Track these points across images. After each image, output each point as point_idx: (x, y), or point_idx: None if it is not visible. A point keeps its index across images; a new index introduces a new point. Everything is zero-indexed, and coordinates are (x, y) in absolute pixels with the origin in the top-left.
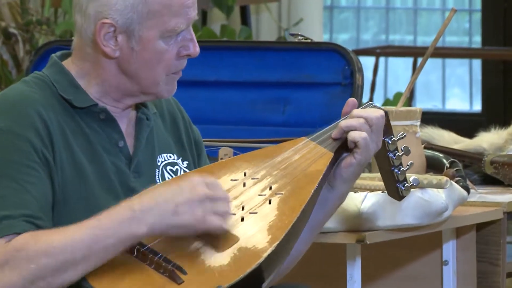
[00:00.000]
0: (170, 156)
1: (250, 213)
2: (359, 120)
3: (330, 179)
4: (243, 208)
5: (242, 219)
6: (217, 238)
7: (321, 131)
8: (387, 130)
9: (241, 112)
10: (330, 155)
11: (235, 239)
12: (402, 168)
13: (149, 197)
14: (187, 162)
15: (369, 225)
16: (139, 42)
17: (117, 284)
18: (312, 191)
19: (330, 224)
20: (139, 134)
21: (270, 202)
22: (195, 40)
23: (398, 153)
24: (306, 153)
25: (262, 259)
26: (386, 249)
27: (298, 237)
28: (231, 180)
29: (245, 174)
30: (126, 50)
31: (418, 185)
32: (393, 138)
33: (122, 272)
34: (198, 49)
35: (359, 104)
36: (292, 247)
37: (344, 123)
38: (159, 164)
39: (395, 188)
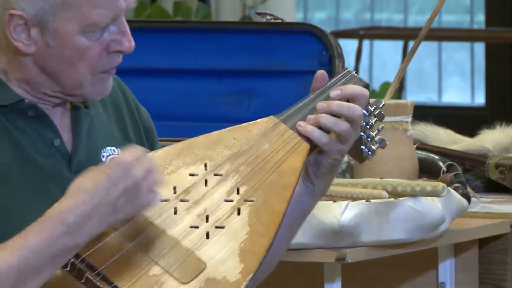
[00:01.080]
0: (114, 151)
1: (216, 227)
2: (340, 109)
3: (307, 175)
4: (207, 219)
5: (208, 236)
6: (180, 264)
7: (292, 110)
8: None
9: (199, 106)
10: (306, 147)
11: (201, 266)
12: (372, 134)
13: (82, 202)
14: None
15: (351, 240)
16: (55, 37)
17: None
18: (289, 199)
19: (305, 239)
20: (77, 127)
21: (239, 213)
22: (129, 33)
23: (371, 121)
24: (277, 141)
25: None
26: (370, 269)
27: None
28: (190, 174)
29: (206, 167)
30: (42, 46)
31: (384, 146)
32: (370, 108)
33: None
34: (132, 43)
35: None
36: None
37: (323, 120)
38: (103, 159)
39: (360, 150)
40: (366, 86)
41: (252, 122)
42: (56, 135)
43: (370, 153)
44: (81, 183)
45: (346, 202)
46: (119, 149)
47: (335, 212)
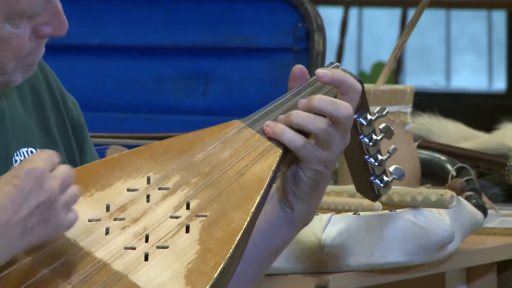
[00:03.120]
0: (32, 152)
1: (157, 247)
2: (321, 104)
3: (284, 197)
4: (146, 239)
5: (146, 258)
6: None
7: (261, 113)
8: (361, 104)
9: (140, 93)
10: (277, 152)
11: None
12: (381, 157)
13: None
14: None
15: (335, 263)
16: None
17: None
18: (252, 213)
19: (278, 262)
20: None
21: (187, 230)
22: (62, 12)
23: (375, 137)
24: (241, 147)
25: None
26: None
27: (229, 279)
28: (128, 190)
29: (148, 181)
30: None
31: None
32: (370, 117)
33: None
34: (66, 25)
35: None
36: None
37: (295, 117)
38: (16, 164)
39: (369, 184)
40: (358, 82)
41: (208, 128)
42: None
43: (382, 185)
44: None
45: (328, 215)
46: (38, 150)
47: (315, 228)
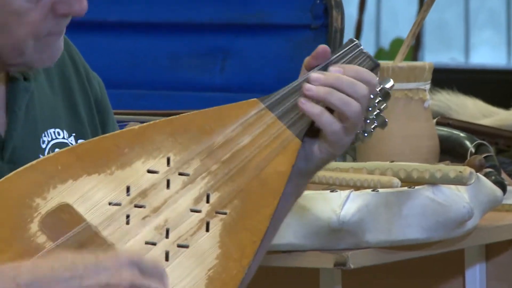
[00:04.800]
0: (58, 133)
1: (178, 245)
2: (340, 84)
3: None
4: (167, 234)
5: (167, 257)
6: None
7: (280, 94)
8: None
9: (157, 70)
10: (297, 144)
11: None
12: (371, 116)
13: (48, 268)
14: (82, 141)
15: (354, 240)
16: None
17: None
18: (271, 215)
19: (297, 239)
20: (14, 104)
21: (207, 228)
22: None
23: (373, 103)
24: (261, 134)
25: None
26: (378, 276)
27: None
28: (148, 171)
29: (168, 162)
30: None
31: (384, 127)
32: (375, 91)
33: None
34: (84, 4)
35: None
36: None
37: (333, 96)
38: (44, 146)
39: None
40: (376, 67)
41: (229, 105)
42: None
43: (366, 134)
44: (63, 252)
45: (347, 191)
46: (64, 132)
47: (334, 205)
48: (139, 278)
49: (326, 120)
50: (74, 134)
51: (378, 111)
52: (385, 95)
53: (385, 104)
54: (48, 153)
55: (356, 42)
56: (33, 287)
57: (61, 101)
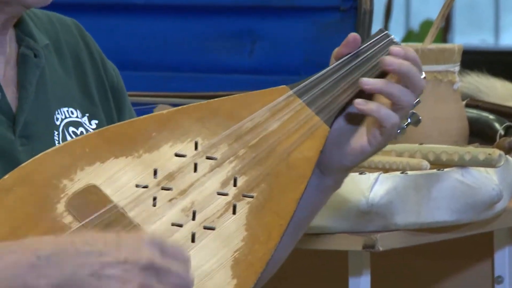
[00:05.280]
0: (72, 112)
1: (204, 227)
2: (399, 89)
3: (321, 163)
4: (194, 217)
5: (193, 238)
6: None
7: (310, 81)
8: None
9: (186, 52)
10: (326, 130)
11: None
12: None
13: (69, 243)
14: (96, 122)
15: (383, 223)
16: None
17: None
18: (298, 199)
19: (325, 221)
20: (24, 80)
21: (234, 211)
22: None
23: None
24: (290, 120)
25: None
26: (407, 258)
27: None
28: (176, 155)
29: (196, 146)
30: None
31: (417, 122)
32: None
33: None
34: None
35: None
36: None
37: (394, 88)
38: (58, 122)
39: None
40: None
41: (257, 91)
42: None
43: (399, 131)
44: (85, 230)
45: (376, 174)
46: (78, 111)
47: (363, 187)
48: (158, 258)
49: (384, 113)
50: (87, 115)
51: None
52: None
53: (417, 99)
54: (63, 130)
55: (387, 32)
56: (52, 261)
57: (74, 83)
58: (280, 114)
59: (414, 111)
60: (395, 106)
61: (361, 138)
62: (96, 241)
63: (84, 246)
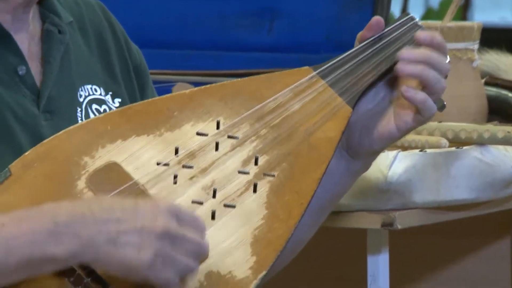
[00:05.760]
0: (95, 90)
1: (225, 205)
2: (434, 76)
3: (351, 147)
4: (214, 194)
5: (213, 216)
6: None
7: (333, 63)
8: None
9: (205, 30)
10: (348, 111)
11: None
12: None
13: (86, 209)
14: (119, 100)
15: (401, 201)
16: None
17: None
18: (320, 179)
19: (344, 199)
20: (48, 55)
21: (255, 190)
22: None
23: None
24: (312, 101)
25: None
26: (425, 237)
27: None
28: (198, 134)
29: (218, 126)
30: None
31: (442, 108)
32: None
33: None
34: None
35: (387, 20)
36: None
37: (429, 72)
38: (81, 99)
39: None
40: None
41: (280, 72)
42: (21, 61)
43: None
44: (102, 196)
45: (395, 152)
46: (101, 89)
47: (381, 165)
48: (175, 226)
49: (429, 105)
50: (111, 93)
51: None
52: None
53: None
54: (86, 107)
55: (411, 15)
56: (70, 227)
57: (98, 61)
58: (303, 95)
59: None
60: (429, 91)
61: (388, 123)
62: (113, 208)
63: (101, 213)
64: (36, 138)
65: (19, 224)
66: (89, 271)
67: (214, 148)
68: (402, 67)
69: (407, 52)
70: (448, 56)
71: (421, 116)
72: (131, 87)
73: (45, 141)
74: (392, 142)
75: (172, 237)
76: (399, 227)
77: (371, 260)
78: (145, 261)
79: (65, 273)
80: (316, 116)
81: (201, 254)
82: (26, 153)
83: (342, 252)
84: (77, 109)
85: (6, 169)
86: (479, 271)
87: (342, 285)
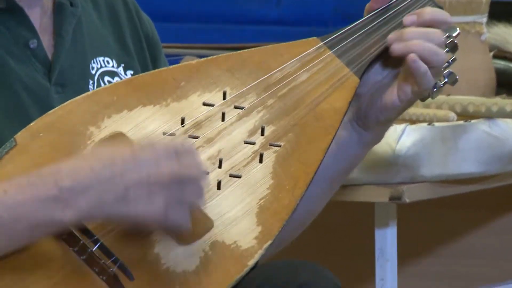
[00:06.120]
0: (108, 62)
1: (230, 175)
2: (430, 49)
3: (360, 118)
4: (220, 164)
5: (219, 186)
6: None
7: (340, 34)
8: None
9: (214, 3)
10: (355, 82)
11: (207, 224)
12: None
13: (88, 169)
14: (131, 72)
15: (409, 174)
16: None
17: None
18: (326, 149)
19: (353, 173)
20: (60, 28)
21: (261, 160)
22: None
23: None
24: (319, 72)
25: (246, 269)
26: (433, 211)
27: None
28: (204, 104)
29: (224, 96)
30: None
31: (455, 83)
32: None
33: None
34: None
35: None
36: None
37: (423, 46)
38: (93, 72)
39: None
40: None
41: (287, 42)
42: (32, 34)
43: (435, 89)
44: (99, 149)
45: (403, 125)
46: (114, 61)
47: (389, 139)
48: (178, 168)
49: (427, 78)
50: (123, 65)
51: (446, 63)
52: (453, 47)
53: (453, 57)
54: (98, 79)
55: None
56: (75, 191)
57: (110, 33)
58: (310, 65)
59: (451, 70)
60: (428, 65)
61: (392, 93)
62: (114, 161)
63: (104, 171)
64: (47, 111)
65: (23, 191)
66: (94, 240)
67: (221, 118)
68: (393, 48)
69: (392, 35)
70: (457, 28)
71: (418, 88)
72: (144, 59)
73: (51, 111)
74: (395, 112)
75: (178, 181)
76: (407, 200)
77: (378, 233)
78: (158, 211)
79: (69, 243)
80: (323, 86)
81: (204, 186)
82: (32, 123)
83: (350, 226)
84: (89, 82)
85: (12, 139)
86: (487, 244)
87: (350, 259)
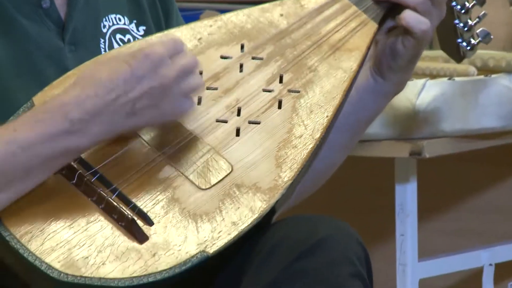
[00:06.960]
0: (119, 19)
1: (249, 122)
2: None
3: (377, 67)
4: (239, 112)
5: (238, 132)
6: (199, 165)
7: None
8: None
9: None
10: (373, 27)
11: (226, 169)
12: (470, 23)
13: (93, 96)
14: (144, 28)
15: (429, 129)
16: None
17: (43, 231)
18: (345, 92)
19: (372, 128)
20: None
21: (280, 106)
22: None
23: (467, 4)
24: (337, 19)
25: (263, 212)
26: (454, 166)
27: (318, 157)
28: (222, 57)
29: (242, 48)
30: None
31: (489, 41)
32: None
33: (51, 211)
34: None
35: None
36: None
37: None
38: (105, 30)
39: (456, 46)
40: None
41: None
42: None
43: (468, 48)
44: (96, 71)
45: (423, 80)
46: (125, 18)
47: (409, 94)
48: (172, 69)
49: (418, 20)
50: (135, 21)
51: (477, 19)
52: (482, 0)
53: (483, 12)
54: (109, 38)
55: None
56: (86, 120)
57: None
58: (328, 14)
59: (484, 28)
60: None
61: (398, 40)
62: (115, 83)
63: (108, 94)
64: (61, 70)
65: (33, 128)
66: (92, 172)
67: (238, 69)
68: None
69: None
70: None
71: (412, 32)
72: (156, 14)
73: (68, 73)
74: (404, 60)
75: (177, 79)
76: (427, 155)
77: (399, 189)
78: (168, 111)
79: (66, 176)
80: (341, 32)
81: (196, 67)
82: (53, 83)
83: (370, 181)
84: (100, 41)
85: (30, 101)
86: (508, 199)
87: (371, 214)
